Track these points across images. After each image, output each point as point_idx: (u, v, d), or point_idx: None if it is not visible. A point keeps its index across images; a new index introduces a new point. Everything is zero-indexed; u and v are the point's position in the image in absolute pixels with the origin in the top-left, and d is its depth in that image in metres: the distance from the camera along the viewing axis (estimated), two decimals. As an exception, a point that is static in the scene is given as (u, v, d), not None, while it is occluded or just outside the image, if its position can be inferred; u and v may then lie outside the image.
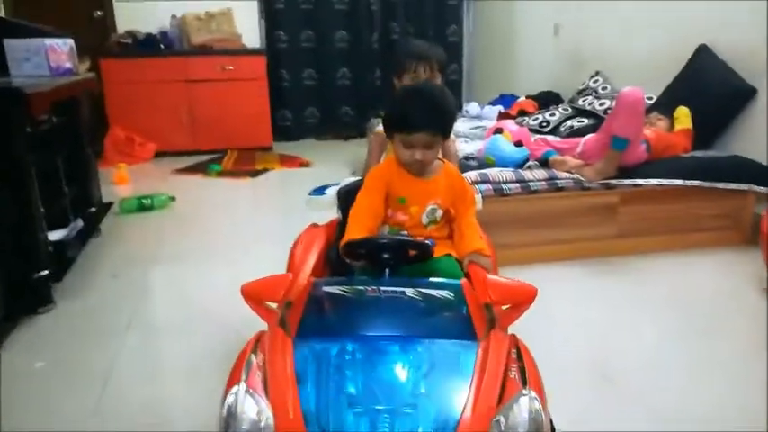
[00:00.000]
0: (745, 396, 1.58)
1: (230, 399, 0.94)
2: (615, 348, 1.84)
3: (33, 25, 2.83)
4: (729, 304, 2.14)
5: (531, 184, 2.46)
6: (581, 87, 3.85)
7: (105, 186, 3.32)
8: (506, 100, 4.52)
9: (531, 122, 3.59)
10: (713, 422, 1.46)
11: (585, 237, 2.56)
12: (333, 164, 4.45)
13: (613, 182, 2.51)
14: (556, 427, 1.12)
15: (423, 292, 1.17)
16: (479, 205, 1.61)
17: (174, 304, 2.24)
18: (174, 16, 4.90)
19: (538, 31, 4.64)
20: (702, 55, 2.97)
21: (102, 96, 4.55)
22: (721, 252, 2.60)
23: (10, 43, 2.59)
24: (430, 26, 5.69)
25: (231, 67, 4.86)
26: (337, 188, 1.74)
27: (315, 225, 1.70)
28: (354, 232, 1.35)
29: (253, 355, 1.03)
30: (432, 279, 1.25)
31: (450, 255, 1.44)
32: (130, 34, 4.76)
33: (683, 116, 2.82)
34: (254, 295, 1.17)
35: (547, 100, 4.09)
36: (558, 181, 2.48)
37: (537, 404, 0.94)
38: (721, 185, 2.57)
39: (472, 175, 2.43)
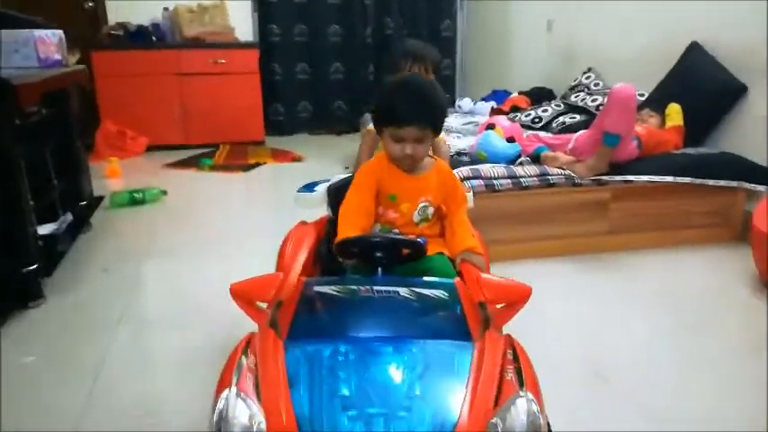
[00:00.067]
0: (737, 394, 1.60)
1: (221, 403, 0.91)
2: (606, 345, 1.85)
3: (22, 16, 2.80)
4: (720, 301, 2.16)
5: (522, 179, 2.46)
6: (573, 83, 3.86)
7: (97, 180, 3.30)
8: (499, 96, 4.53)
9: (524, 118, 3.59)
10: (705, 420, 1.47)
11: (576, 233, 2.57)
12: (325, 159, 4.44)
13: (605, 178, 2.52)
14: (552, 429, 1.11)
15: (416, 292, 1.15)
16: (471, 203, 1.61)
17: (165, 299, 2.23)
18: (166, 8, 4.85)
19: (531, 27, 4.63)
20: (694, 52, 2.97)
21: (93, 89, 4.51)
22: (712, 249, 2.61)
23: (-2, 34, 2.56)
24: (424, 21, 5.68)
25: (224, 61, 4.83)
26: (327, 185, 1.72)
27: (304, 222, 1.68)
28: (347, 231, 1.34)
29: (243, 358, 1.00)
30: (425, 278, 1.24)
31: (442, 253, 1.43)
32: (122, 26, 4.71)
33: (675, 113, 2.83)
34: (243, 295, 1.15)
35: (539, 96, 4.09)
36: (549, 177, 2.49)
37: (534, 406, 0.92)
38: (712, 182, 2.58)
39: (464, 170, 2.43)
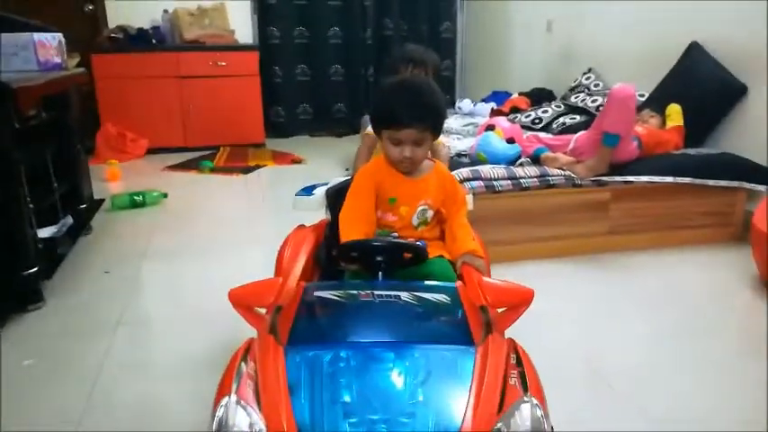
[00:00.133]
0: (737, 394, 1.59)
1: (221, 411, 0.90)
2: (607, 345, 1.85)
3: (22, 19, 2.80)
4: (720, 301, 2.15)
5: (522, 180, 2.45)
6: (573, 84, 3.86)
7: (97, 183, 3.29)
8: (499, 97, 4.52)
9: (524, 119, 3.59)
10: (705, 420, 1.46)
11: (577, 234, 2.57)
12: (326, 160, 4.44)
13: (605, 179, 2.51)
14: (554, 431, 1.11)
15: (417, 296, 1.14)
16: (470, 205, 1.60)
17: (165, 301, 2.23)
18: (165, 11, 4.85)
19: (531, 28, 4.63)
20: (694, 52, 2.97)
21: (93, 92, 4.51)
22: (712, 249, 2.61)
23: (-3, 38, 2.56)
24: (423, 23, 5.67)
25: (224, 63, 4.82)
26: (325, 188, 1.71)
27: (302, 226, 1.68)
28: (351, 237, 1.32)
29: (243, 364, 0.99)
30: (426, 282, 1.22)
31: (442, 256, 1.42)
32: (122, 29, 4.70)
33: (675, 113, 2.83)
34: (242, 301, 1.13)
35: (539, 97, 4.09)
36: (549, 178, 2.48)
37: (539, 411, 0.91)
38: (712, 182, 2.57)
39: (464, 171, 2.43)
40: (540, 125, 3.50)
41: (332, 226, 1.57)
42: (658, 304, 2.12)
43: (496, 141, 2.71)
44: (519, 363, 1.02)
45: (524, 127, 3.39)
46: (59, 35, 2.78)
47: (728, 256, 2.51)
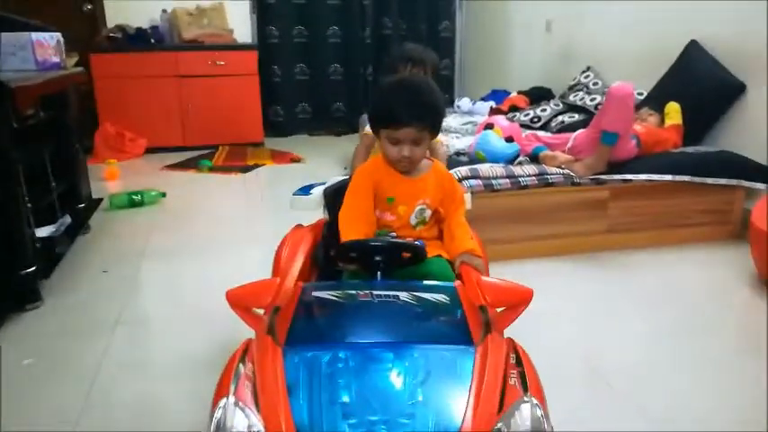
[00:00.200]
0: (737, 392, 1.59)
1: (219, 412, 0.89)
2: (605, 344, 1.85)
3: (20, 19, 2.79)
4: (719, 299, 2.16)
5: (521, 179, 2.45)
6: (572, 83, 3.85)
7: (95, 182, 3.29)
8: (498, 95, 4.52)
9: (523, 118, 3.59)
10: (705, 420, 1.46)
11: (575, 232, 2.57)
12: (325, 159, 4.44)
13: (603, 177, 2.51)
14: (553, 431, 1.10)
15: (416, 296, 1.13)
16: (469, 204, 1.60)
17: (163, 300, 2.23)
18: (164, 11, 4.84)
19: (530, 27, 4.63)
20: (693, 51, 2.97)
21: (92, 92, 4.51)
22: (711, 247, 2.61)
23: (-5, 37, 2.56)
24: (422, 22, 5.67)
25: (222, 62, 4.82)
26: (323, 188, 1.70)
27: (300, 226, 1.67)
28: (350, 236, 1.32)
29: (241, 365, 0.98)
30: (425, 282, 1.22)
31: (440, 256, 1.42)
32: (120, 29, 4.70)
33: (674, 112, 2.83)
34: (239, 302, 1.13)
35: (538, 95, 4.08)
36: (548, 176, 2.48)
37: (539, 411, 0.91)
38: (711, 181, 2.58)
39: (463, 170, 2.43)
40: (539, 124, 3.50)
41: (330, 225, 1.57)
42: (657, 303, 2.13)
43: (495, 140, 2.71)
44: (519, 362, 1.02)
45: (523, 125, 3.39)
46: (58, 34, 2.78)
47: (727, 255, 2.52)
